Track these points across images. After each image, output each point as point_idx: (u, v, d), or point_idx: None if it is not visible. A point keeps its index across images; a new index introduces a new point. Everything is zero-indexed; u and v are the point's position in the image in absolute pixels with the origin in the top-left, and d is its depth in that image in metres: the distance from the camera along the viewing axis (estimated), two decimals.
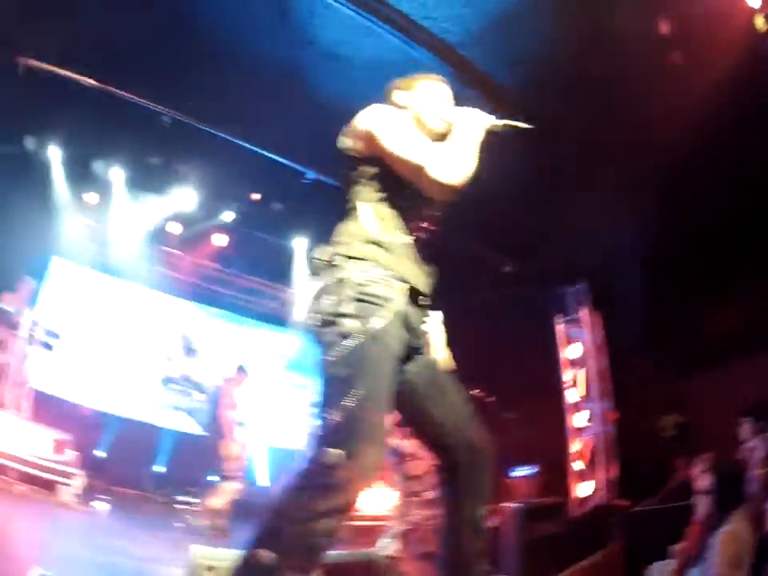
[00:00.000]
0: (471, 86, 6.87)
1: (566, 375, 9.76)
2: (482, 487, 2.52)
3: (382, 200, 2.53)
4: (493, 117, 2.56)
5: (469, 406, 2.59)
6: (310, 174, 9.42)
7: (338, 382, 2.25)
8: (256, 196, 10.61)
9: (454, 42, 6.72)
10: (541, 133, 2.71)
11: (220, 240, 12.00)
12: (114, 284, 11.83)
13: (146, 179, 10.47)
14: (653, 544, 4.23)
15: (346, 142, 2.59)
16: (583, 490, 8.77)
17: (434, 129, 2.63)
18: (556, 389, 9.69)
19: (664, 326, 8.31)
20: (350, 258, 2.41)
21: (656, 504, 6.31)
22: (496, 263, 9.99)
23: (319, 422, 2.26)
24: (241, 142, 8.86)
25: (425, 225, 2.63)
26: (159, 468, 10.77)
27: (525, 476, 8.98)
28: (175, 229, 11.72)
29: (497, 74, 7.04)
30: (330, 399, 2.25)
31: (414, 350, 2.51)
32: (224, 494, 7.81)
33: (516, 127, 2.56)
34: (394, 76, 2.87)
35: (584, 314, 9.66)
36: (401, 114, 2.58)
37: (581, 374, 9.57)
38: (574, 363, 9.72)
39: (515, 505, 6.19)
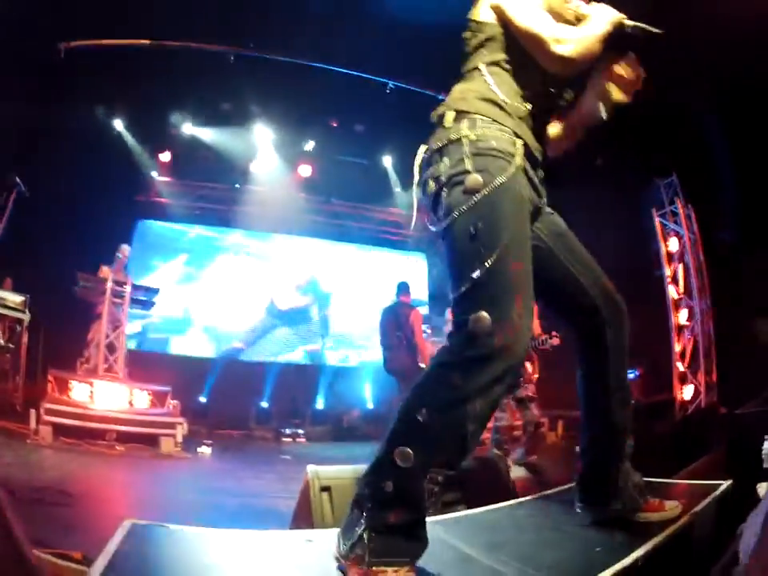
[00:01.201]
0: None
1: (666, 271, 9.28)
2: (625, 349, 2.39)
3: (504, 64, 2.40)
4: (624, 16, 2.43)
5: (597, 265, 2.42)
6: (391, 84, 9.42)
7: (471, 238, 2.05)
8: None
9: None
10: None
11: (305, 170, 12.07)
12: (203, 233, 12.38)
13: (221, 125, 10.67)
14: (757, 449, 3.91)
15: (474, 11, 2.48)
16: (686, 392, 8.40)
17: (566, 17, 2.48)
18: (657, 286, 9.22)
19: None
20: (465, 113, 2.27)
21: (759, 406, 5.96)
22: (589, 157, 9.56)
23: (458, 289, 2.03)
24: (311, 63, 8.96)
25: (544, 97, 2.45)
26: (263, 404, 11.12)
27: (629, 378, 8.70)
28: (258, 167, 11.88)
29: None
30: (465, 259, 2.06)
31: (537, 209, 2.34)
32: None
33: (646, 30, 2.40)
34: None
35: (679, 207, 9.15)
36: None
37: (680, 269, 9.10)
38: (672, 258, 9.24)
39: None
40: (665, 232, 9.51)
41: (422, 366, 6.89)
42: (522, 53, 2.37)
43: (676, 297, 9.18)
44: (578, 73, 2.42)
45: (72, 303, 8.90)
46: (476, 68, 2.41)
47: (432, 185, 2.22)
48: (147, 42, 8.73)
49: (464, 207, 2.08)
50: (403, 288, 7.59)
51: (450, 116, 2.28)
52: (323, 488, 3.12)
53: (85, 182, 9.55)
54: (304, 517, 3.17)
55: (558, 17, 2.47)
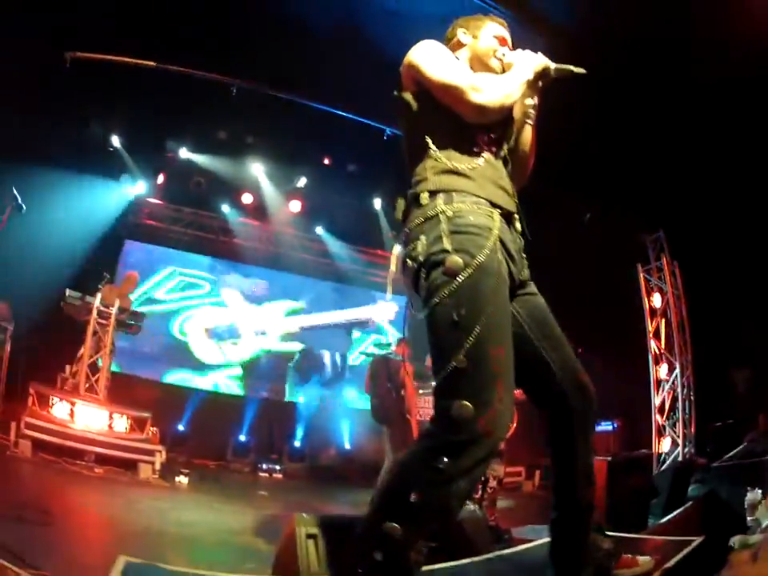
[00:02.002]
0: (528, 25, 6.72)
1: (648, 326, 9.45)
2: (592, 433, 2.45)
3: (441, 132, 2.43)
4: (548, 59, 2.55)
5: (569, 348, 2.45)
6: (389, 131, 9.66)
7: (452, 325, 2.08)
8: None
9: None
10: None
11: (295, 206, 12.16)
12: (190, 260, 12.46)
13: (216, 153, 10.81)
14: (732, 499, 4.04)
15: (398, 83, 2.54)
16: (664, 444, 8.52)
17: (491, 66, 2.61)
18: (638, 340, 9.37)
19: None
20: (432, 192, 2.31)
21: (736, 459, 6.08)
22: (576, 212, 9.71)
23: (440, 374, 2.07)
24: (310, 103, 9.13)
25: (487, 146, 2.48)
26: (241, 437, 11.11)
27: (607, 431, 8.83)
28: (248, 199, 11.97)
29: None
30: (447, 345, 2.08)
31: (518, 284, 2.40)
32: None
33: (570, 71, 2.53)
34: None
35: (664, 263, 9.32)
36: (445, 47, 2.55)
37: (662, 324, 9.28)
38: (654, 313, 9.40)
39: (602, 458, 6.26)
40: (648, 287, 9.68)
41: (408, 417, 7.08)
42: (449, 108, 2.40)
43: (657, 351, 9.30)
44: (501, 117, 2.47)
45: (57, 319, 8.94)
46: (422, 143, 2.44)
47: (411, 264, 2.26)
48: (153, 64, 8.82)
49: (445, 292, 2.10)
50: (400, 342, 7.78)
51: (424, 195, 2.31)
52: (309, 535, 3.13)
53: (77, 196, 9.62)
54: (288, 563, 3.19)
55: (484, 67, 2.60)
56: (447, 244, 2.16)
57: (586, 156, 8.19)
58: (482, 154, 2.43)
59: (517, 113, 2.61)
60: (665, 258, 9.47)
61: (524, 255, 2.45)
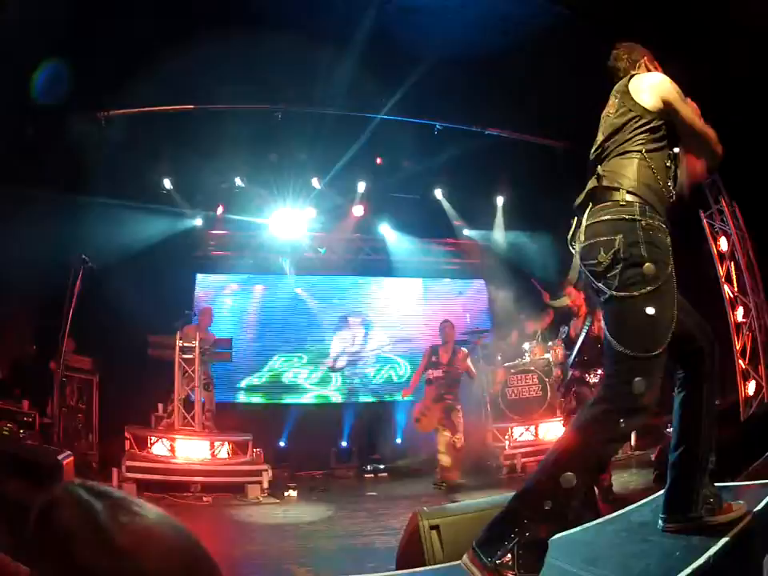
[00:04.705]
0: None
1: (719, 270, 9.32)
2: (717, 376, 2.89)
3: (660, 154, 2.85)
4: None
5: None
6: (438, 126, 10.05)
7: (647, 321, 2.59)
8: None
9: None
10: None
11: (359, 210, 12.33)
12: (264, 282, 12.78)
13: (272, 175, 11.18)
14: None
15: (641, 96, 2.89)
16: (749, 388, 8.44)
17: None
18: (713, 286, 9.27)
19: None
20: (633, 196, 2.72)
21: None
22: None
23: (623, 350, 2.58)
24: (354, 113, 9.60)
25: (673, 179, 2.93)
26: (342, 443, 11.35)
27: None
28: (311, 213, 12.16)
29: None
30: (637, 334, 2.61)
31: None
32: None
33: None
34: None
35: (724, 205, 9.19)
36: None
37: (732, 267, 9.13)
38: (723, 257, 9.25)
39: None
40: (713, 232, 9.54)
41: None
42: (671, 146, 2.87)
43: (731, 295, 9.19)
44: None
45: (141, 362, 9.38)
46: (637, 151, 2.82)
47: (604, 254, 2.67)
48: (192, 107, 9.10)
49: (645, 290, 2.59)
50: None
51: (622, 194, 2.72)
52: (432, 527, 3.41)
53: (142, 246, 10.02)
54: (413, 555, 3.42)
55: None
56: (644, 251, 2.61)
57: None
58: (670, 182, 2.88)
59: None
60: (723, 201, 9.34)
61: None
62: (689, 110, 2.86)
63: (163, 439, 8.19)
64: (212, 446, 8.34)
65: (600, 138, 3.01)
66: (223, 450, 8.39)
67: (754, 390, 8.42)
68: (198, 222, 11.69)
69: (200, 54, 7.39)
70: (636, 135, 2.84)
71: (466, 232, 13.03)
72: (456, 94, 8.97)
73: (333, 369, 12.57)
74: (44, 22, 6.53)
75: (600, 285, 2.72)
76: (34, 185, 8.01)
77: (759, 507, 2.67)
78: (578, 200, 2.91)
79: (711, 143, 2.86)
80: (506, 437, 9.26)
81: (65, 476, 4.91)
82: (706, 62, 6.67)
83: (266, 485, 8.00)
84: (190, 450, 8.20)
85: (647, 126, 2.84)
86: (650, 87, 2.89)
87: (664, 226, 2.74)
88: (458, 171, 11.03)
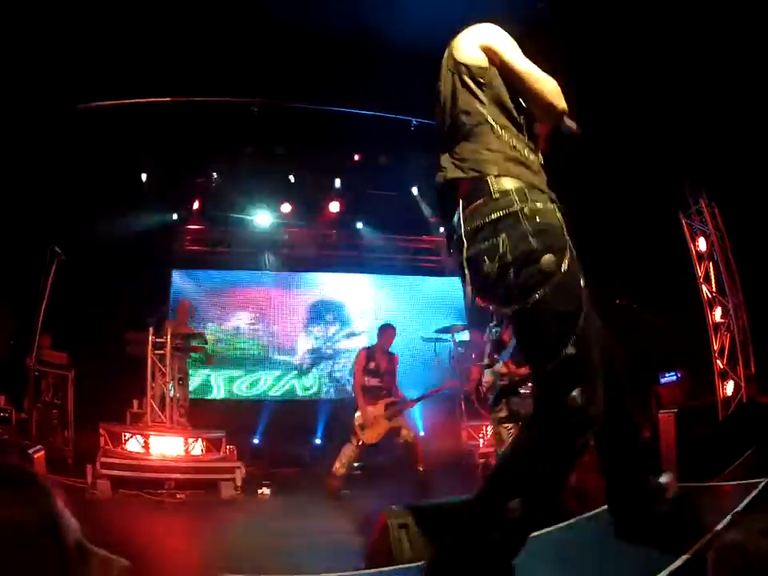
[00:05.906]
0: None
1: (697, 270, 9.38)
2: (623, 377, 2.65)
3: (507, 113, 2.44)
4: None
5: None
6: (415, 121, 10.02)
7: (558, 318, 2.23)
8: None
9: None
10: None
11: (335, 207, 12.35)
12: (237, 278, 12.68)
13: (248, 169, 11.11)
14: None
15: (462, 53, 2.49)
16: (728, 388, 8.50)
17: None
18: (691, 286, 9.32)
19: None
20: (503, 179, 2.30)
21: None
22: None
23: (548, 364, 2.22)
24: (332, 108, 9.51)
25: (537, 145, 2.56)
26: (317, 441, 11.34)
27: (672, 381, 8.83)
28: (287, 208, 12.23)
29: None
30: (554, 337, 2.22)
31: None
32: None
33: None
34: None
35: (703, 206, 9.24)
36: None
37: (710, 267, 9.20)
38: (701, 257, 9.31)
39: (669, 411, 6.44)
40: (692, 232, 9.60)
41: None
42: (513, 98, 2.42)
43: (710, 296, 9.25)
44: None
45: (118, 358, 9.25)
46: (483, 121, 2.39)
47: (489, 264, 2.25)
48: (168, 99, 9.03)
49: (546, 289, 2.19)
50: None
51: (491, 182, 2.28)
52: (401, 525, 3.39)
53: (116, 240, 9.93)
54: (381, 554, 3.42)
55: None
56: (536, 244, 2.21)
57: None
58: (535, 147, 2.50)
59: None
60: (703, 201, 9.39)
61: None
62: (516, 54, 2.41)
63: (137, 436, 8.11)
64: (186, 442, 8.27)
65: (439, 123, 2.63)
66: (197, 447, 8.33)
67: (732, 391, 8.47)
68: (174, 216, 11.64)
69: (177, 46, 7.38)
70: (475, 104, 2.43)
71: (442, 229, 12.82)
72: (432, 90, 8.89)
73: (307, 365, 12.56)
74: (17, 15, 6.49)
75: (497, 302, 2.38)
76: (7, 176, 7.94)
77: (740, 507, 2.67)
78: (437, 209, 2.59)
79: (546, 96, 2.35)
80: (480, 435, 9.31)
81: (36, 470, 4.87)
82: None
83: (239, 482, 7.91)
84: (164, 446, 8.10)
85: (481, 88, 2.42)
86: (468, 39, 2.48)
87: (550, 203, 2.34)
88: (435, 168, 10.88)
